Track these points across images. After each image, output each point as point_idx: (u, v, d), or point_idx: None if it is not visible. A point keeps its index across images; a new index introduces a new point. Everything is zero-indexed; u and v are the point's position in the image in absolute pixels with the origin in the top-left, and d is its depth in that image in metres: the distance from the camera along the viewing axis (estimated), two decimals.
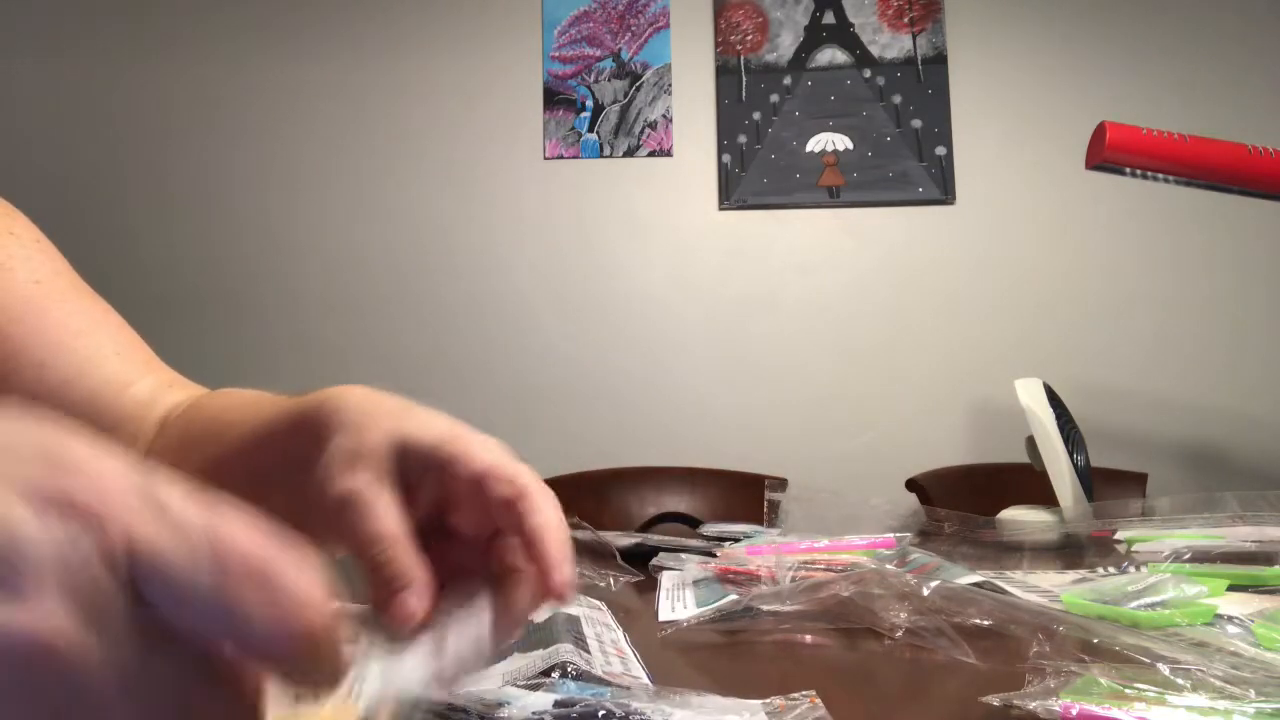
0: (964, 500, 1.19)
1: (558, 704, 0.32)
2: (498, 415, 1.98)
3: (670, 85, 2.09)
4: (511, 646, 0.42)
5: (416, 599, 0.30)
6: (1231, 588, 0.54)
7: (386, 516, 0.32)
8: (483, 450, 0.34)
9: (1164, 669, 0.33)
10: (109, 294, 0.53)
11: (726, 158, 2.05)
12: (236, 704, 0.22)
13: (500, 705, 0.31)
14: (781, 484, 1.62)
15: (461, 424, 0.35)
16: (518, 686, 0.34)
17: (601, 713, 0.30)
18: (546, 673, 0.36)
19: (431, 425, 0.35)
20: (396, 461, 0.33)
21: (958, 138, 2.02)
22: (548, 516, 0.33)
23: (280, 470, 0.36)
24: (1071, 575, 0.66)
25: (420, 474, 0.34)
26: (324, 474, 0.33)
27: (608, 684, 0.35)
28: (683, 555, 0.72)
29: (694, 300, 2.03)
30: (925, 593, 0.47)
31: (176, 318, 2.00)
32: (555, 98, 2.10)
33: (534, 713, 0.31)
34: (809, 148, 2.04)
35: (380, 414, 0.34)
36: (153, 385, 0.49)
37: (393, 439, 0.33)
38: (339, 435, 0.34)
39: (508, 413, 1.98)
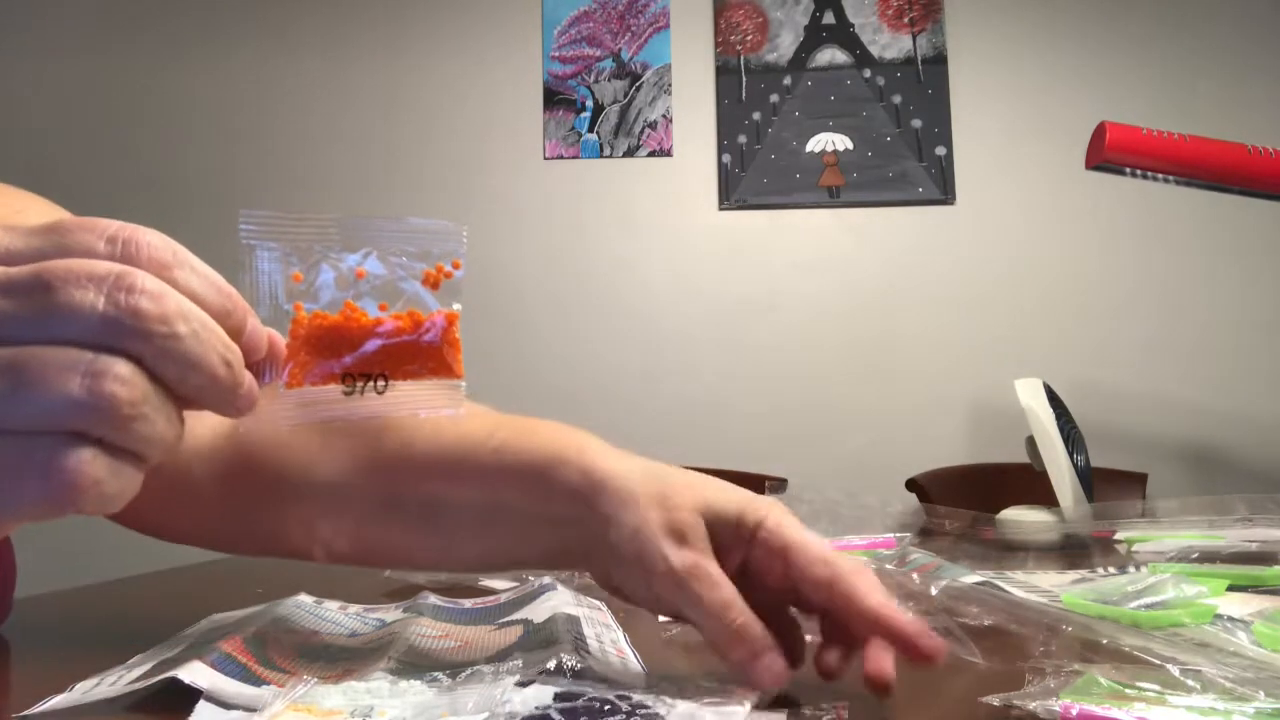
0: (964, 500, 1.19)
1: (558, 697, 0.32)
2: None
3: (670, 85, 2.09)
4: (511, 648, 0.42)
5: (780, 663, 0.34)
6: (1231, 588, 0.54)
7: (728, 585, 0.36)
8: (786, 523, 0.38)
9: (1174, 670, 0.33)
10: None
11: (726, 158, 2.05)
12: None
13: (503, 701, 0.31)
14: (781, 484, 1.62)
15: (744, 491, 0.40)
16: (517, 685, 0.34)
17: (606, 706, 0.30)
18: (543, 673, 0.36)
19: (727, 495, 0.39)
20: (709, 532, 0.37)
21: (958, 138, 2.02)
22: (879, 599, 0.36)
23: (521, 513, 0.41)
24: (1072, 575, 0.66)
25: (724, 540, 0.38)
26: (642, 547, 0.36)
27: (606, 680, 0.35)
28: None
29: (694, 300, 2.03)
30: (933, 592, 0.47)
31: None
32: (555, 98, 2.10)
33: (537, 707, 0.31)
34: (809, 148, 2.04)
35: (665, 487, 0.38)
36: None
37: (704, 512, 0.37)
38: (633, 510, 0.37)
39: (507, 413, 1.98)
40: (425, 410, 0.32)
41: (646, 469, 0.39)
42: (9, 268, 0.25)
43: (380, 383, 0.31)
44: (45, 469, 0.24)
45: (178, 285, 0.26)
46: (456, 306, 0.32)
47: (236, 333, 0.28)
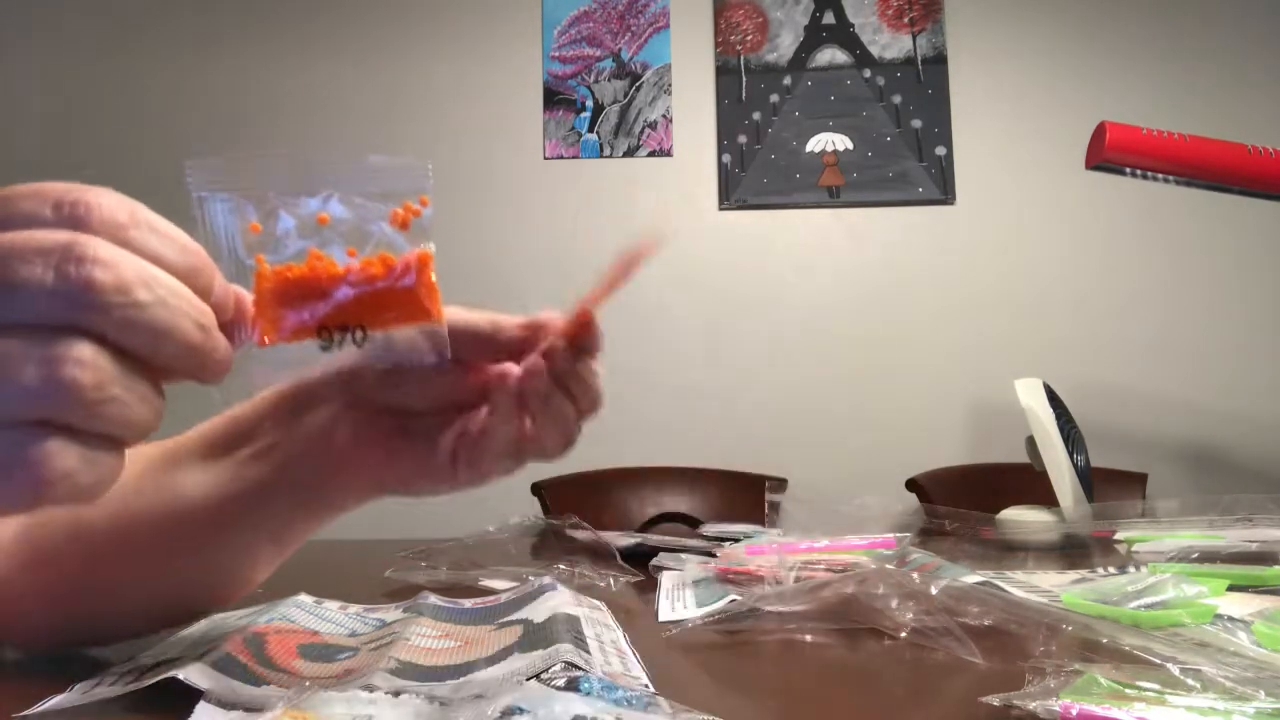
0: (964, 500, 1.19)
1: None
2: None
3: (670, 85, 2.09)
4: (511, 648, 0.42)
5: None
6: (1231, 588, 0.54)
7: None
8: None
9: (1174, 669, 0.33)
10: None
11: (726, 158, 2.05)
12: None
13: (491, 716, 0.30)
14: (782, 485, 1.62)
15: None
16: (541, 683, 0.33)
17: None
18: (539, 675, 0.36)
19: None
20: None
21: (958, 138, 2.02)
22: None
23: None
24: (1072, 575, 0.66)
25: None
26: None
27: (618, 687, 0.35)
28: (683, 555, 0.72)
29: (694, 300, 2.03)
30: (934, 591, 0.47)
31: None
32: (555, 98, 2.10)
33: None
34: (809, 148, 2.04)
35: None
36: None
37: None
38: None
39: None
40: (408, 360, 0.30)
41: None
42: None
43: (358, 333, 0.29)
44: (8, 464, 0.22)
45: (136, 247, 0.24)
46: (430, 246, 0.30)
47: (205, 293, 0.26)
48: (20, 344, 0.22)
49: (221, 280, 0.27)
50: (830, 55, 2.07)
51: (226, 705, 0.33)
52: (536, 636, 0.43)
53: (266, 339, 0.28)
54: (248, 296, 0.29)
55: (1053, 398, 1.07)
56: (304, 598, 0.55)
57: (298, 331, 0.29)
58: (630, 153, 2.08)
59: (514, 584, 0.63)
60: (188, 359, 0.25)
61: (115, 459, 0.25)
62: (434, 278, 0.30)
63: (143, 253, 0.24)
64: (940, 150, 2.02)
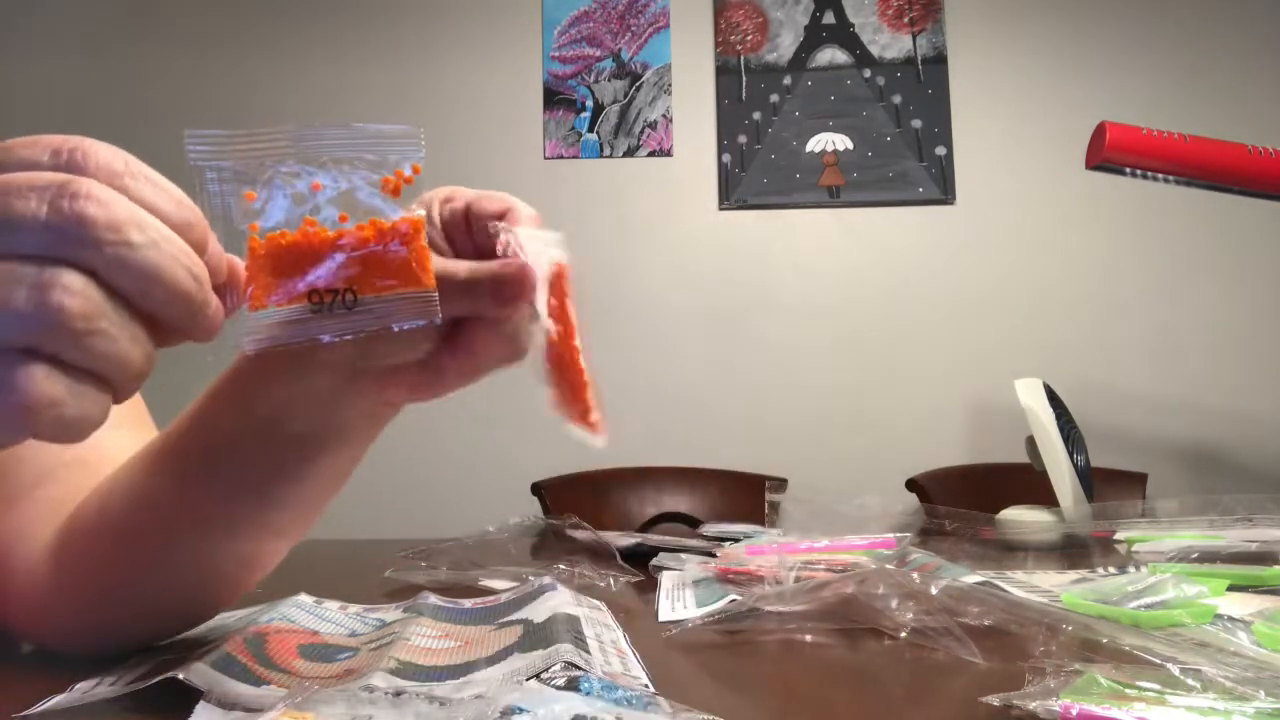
0: (964, 500, 1.19)
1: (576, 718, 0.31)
2: (498, 415, 1.98)
3: (670, 85, 2.09)
4: (511, 648, 0.42)
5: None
6: (1231, 588, 0.54)
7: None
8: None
9: (1174, 669, 0.33)
10: None
11: (726, 158, 2.05)
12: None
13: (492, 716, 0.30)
14: (781, 485, 1.62)
15: None
16: (541, 682, 0.33)
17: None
18: (539, 675, 0.36)
19: None
20: None
21: (958, 138, 2.02)
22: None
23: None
24: (1072, 575, 0.66)
25: None
26: None
27: (618, 687, 0.35)
28: (683, 555, 0.72)
29: (694, 300, 2.03)
30: (934, 591, 0.47)
31: None
32: (555, 98, 2.10)
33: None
34: (809, 148, 2.04)
35: None
36: None
37: None
38: None
39: (508, 413, 1.98)
40: (398, 323, 0.30)
41: None
42: None
43: (349, 296, 0.29)
44: None
45: (130, 194, 0.25)
46: (420, 213, 0.31)
47: (199, 248, 0.26)
48: (10, 271, 0.22)
49: (215, 242, 0.28)
50: (830, 55, 2.07)
51: (226, 705, 0.33)
52: (536, 636, 0.43)
53: (256, 304, 0.29)
54: (240, 263, 0.29)
55: (1053, 398, 1.07)
56: (304, 598, 0.55)
57: (289, 297, 0.29)
58: (630, 153, 2.08)
59: (514, 584, 0.63)
60: (179, 306, 0.25)
61: (102, 397, 0.24)
62: (425, 243, 0.30)
63: (138, 200, 0.25)
64: (940, 150, 2.02)
